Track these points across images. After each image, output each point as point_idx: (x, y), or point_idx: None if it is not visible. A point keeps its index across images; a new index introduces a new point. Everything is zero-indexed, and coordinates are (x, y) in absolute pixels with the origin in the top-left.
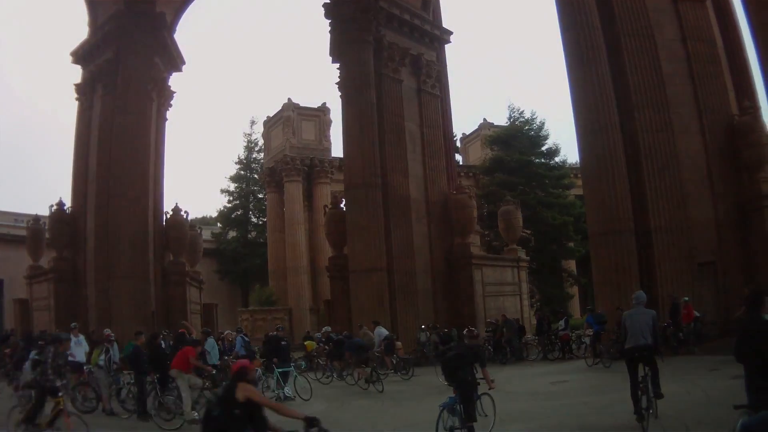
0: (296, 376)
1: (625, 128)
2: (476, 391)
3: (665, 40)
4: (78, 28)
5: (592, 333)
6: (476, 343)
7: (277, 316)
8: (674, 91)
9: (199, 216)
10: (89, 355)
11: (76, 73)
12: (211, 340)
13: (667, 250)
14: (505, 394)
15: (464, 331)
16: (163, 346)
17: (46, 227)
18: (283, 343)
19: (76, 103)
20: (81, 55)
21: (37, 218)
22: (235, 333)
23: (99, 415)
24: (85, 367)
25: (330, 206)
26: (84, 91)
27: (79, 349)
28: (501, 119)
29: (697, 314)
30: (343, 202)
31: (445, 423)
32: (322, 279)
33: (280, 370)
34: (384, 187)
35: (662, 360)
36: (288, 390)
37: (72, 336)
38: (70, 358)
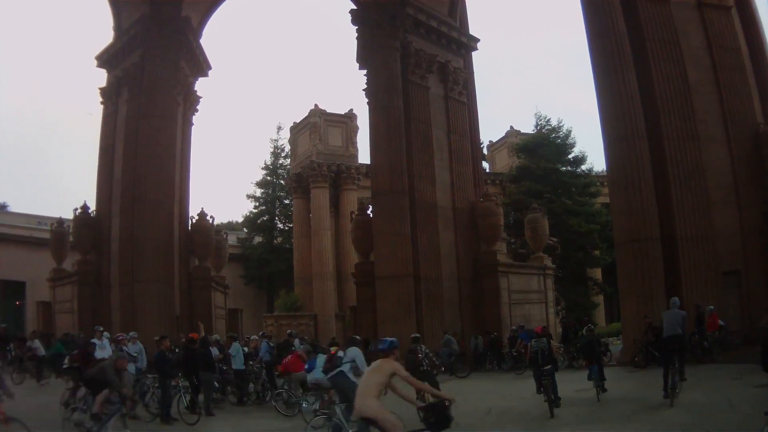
0: None
1: (652, 136)
2: (602, 362)
3: (691, 47)
4: (103, 32)
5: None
6: (593, 335)
7: (302, 321)
8: (700, 99)
9: (225, 221)
10: None
11: (101, 77)
12: (236, 345)
13: (692, 258)
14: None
15: (586, 327)
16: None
17: (70, 230)
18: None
19: (101, 107)
20: (106, 59)
21: (61, 221)
22: (260, 338)
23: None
24: None
25: (357, 212)
26: (109, 95)
27: (102, 352)
28: (528, 127)
29: (722, 323)
30: (370, 209)
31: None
32: (348, 285)
33: None
34: (411, 193)
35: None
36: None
37: (96, 339)
38: None
